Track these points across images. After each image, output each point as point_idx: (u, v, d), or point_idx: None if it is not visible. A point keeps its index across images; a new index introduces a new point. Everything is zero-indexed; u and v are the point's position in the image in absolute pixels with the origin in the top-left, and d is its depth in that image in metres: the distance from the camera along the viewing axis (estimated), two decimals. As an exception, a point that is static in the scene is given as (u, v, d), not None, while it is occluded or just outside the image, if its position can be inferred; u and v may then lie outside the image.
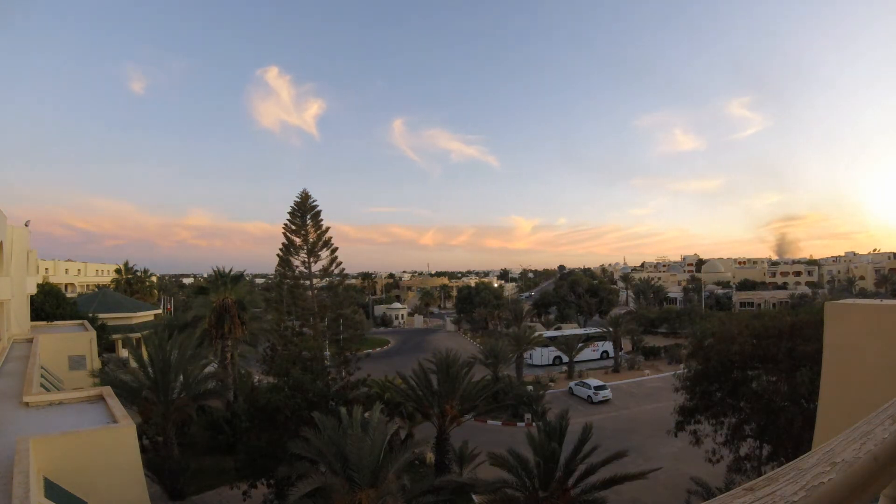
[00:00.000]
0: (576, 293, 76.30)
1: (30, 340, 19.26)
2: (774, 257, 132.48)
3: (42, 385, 13.51)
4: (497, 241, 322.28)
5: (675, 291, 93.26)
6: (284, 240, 36.31)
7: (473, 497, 19.37)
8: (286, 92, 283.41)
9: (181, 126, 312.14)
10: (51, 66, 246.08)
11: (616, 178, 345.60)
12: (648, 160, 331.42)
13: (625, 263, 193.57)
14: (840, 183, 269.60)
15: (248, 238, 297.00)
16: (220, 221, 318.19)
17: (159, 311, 52.92)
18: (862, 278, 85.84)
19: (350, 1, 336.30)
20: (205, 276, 53.94)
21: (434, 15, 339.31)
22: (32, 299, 27.61)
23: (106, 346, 33.99)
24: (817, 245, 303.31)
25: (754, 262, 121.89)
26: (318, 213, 36.68)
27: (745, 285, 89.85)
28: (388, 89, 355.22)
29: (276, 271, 37.00)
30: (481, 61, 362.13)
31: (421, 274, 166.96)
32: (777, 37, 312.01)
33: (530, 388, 34.78)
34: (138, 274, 67.09)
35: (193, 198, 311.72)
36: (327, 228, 36.77)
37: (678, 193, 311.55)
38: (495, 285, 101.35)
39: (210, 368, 26.08)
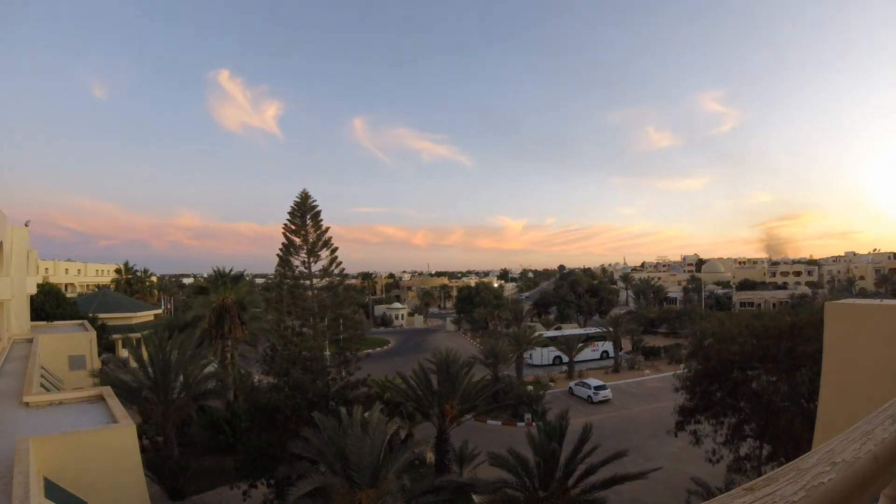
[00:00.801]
0: (576, 293, 76.28)
1: (30, 340, 19.26)
2: (765, 256, 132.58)
3: (42, 385, 13.51)
4: (489, 240, 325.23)
5: (675, 291, 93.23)
6: (284, 240, 36.34)
7: (473, 497, 19.36)
8: (241, 94, 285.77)
9: (154, 129, 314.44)
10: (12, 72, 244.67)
11: (598, 178, 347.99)
12: (628, 159, 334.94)
13: (625, 263, 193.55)
14: (832, 180, 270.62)
15: (241, 238, 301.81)
16: (209, 221, 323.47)
17: (159, 311, 52.92)
18: (862, 278, 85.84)
19: (292, 1, 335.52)
20: (204, 275, 53.97)
21: (380, 13, 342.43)
22: (32, 299, 27.61)
23: (106, 346, 33.98)
24: (815, 245, 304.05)
25: (754, 262, 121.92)
26: (318, 213, 36.73)
27: (745, 285, 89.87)
28: (343, 89, 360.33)
29: (276, 271, 37.03)
30: (444, 60, 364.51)
31: (421, 274, 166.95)
32: (752, 29, 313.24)
33: (530, 388, 34.78)
34: (138, 274, 67.08)
35: (182, 199, 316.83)
36: (327, 228, 36.84)
37: (666, 192, 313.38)
38: (495, 285, 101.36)
39: (210, 368, 26.05)
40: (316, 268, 36.70)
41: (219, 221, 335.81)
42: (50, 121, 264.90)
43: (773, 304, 67.48)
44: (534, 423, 27.45)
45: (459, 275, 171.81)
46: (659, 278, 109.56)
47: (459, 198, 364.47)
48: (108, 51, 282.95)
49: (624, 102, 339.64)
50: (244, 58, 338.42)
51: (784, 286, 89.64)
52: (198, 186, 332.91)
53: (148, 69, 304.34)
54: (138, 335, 32.49)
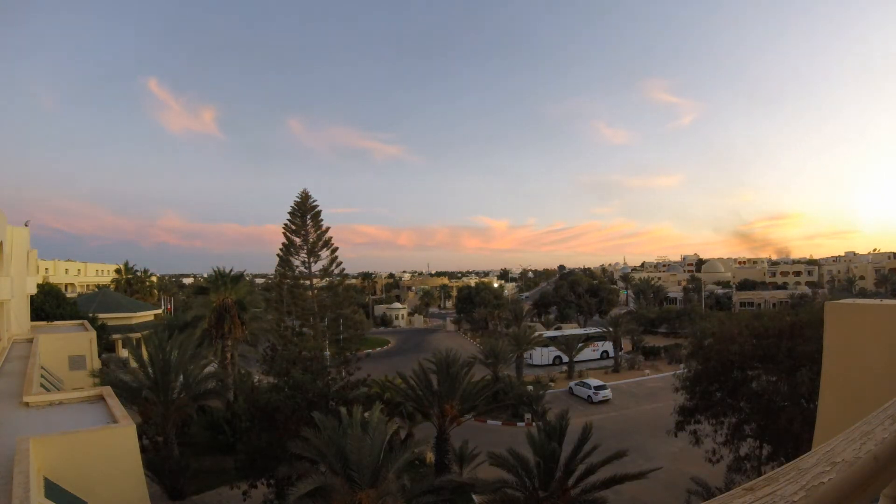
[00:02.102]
0: (576, 293, 76.26)
1: (30, 340, 19.26)
2: (766, 256, 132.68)
3: (42, 385, 13.51)
4: (476, 241, 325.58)
5: (675, 291, 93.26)
6: (284, 240, 36.33)
7: (473, 497, 19.37)
8: (173, 100, 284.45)
9: (105, 136, 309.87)
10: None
11: (561, 175, 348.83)
12: (587, 156, 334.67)
13: (625, 263, 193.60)
14: (819, 179, 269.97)
15: (225, 238, 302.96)
16: (193, 222, 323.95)
17: (159, 311, 52.90)
18: (862, 278, 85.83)
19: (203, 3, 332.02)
20: (205, 275, 53.98)
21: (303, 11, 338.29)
22: (32, 299, 27.61)
23: (106, 346, 33.98)
24: (802, 245, 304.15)
25: (754, 262, 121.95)
26: (318, 213, 36.73)
27: (745, 285, 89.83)
28: (278, 87, 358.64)
29: (276, 271, 37.04)
30: (383, 59, 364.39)
31: (421, 274, 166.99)
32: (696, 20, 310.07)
33: (530, 388, 34.77)
34: (138, 274, 67.09)
35: (164, 200, 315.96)
36: (327, 228, 36.85)
37: (640, 190, 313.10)
38: (495, 285, 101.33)
39: (210, 368, 26.07)
40: (316, 268, 36.71)
41: (202, 222, 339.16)
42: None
43: (773, 304, 67.49)
44: (534, 423, 27.45)
45: (459, 275, 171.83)
46: (659, 278, 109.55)
47: (427, 198, 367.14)
48: (53, 58, 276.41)
49: (564, 92, 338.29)
50: (172, 64, 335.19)
51: (784, 286, 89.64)
52: (178, 189, 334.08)
53: (90, 76, 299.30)
54: (138, 335, 32.49)
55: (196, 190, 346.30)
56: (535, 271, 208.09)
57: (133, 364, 22.57)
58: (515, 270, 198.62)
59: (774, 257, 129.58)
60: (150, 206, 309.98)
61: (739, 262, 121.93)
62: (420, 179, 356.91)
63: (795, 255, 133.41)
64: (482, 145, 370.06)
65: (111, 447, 8.73)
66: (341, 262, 36.90)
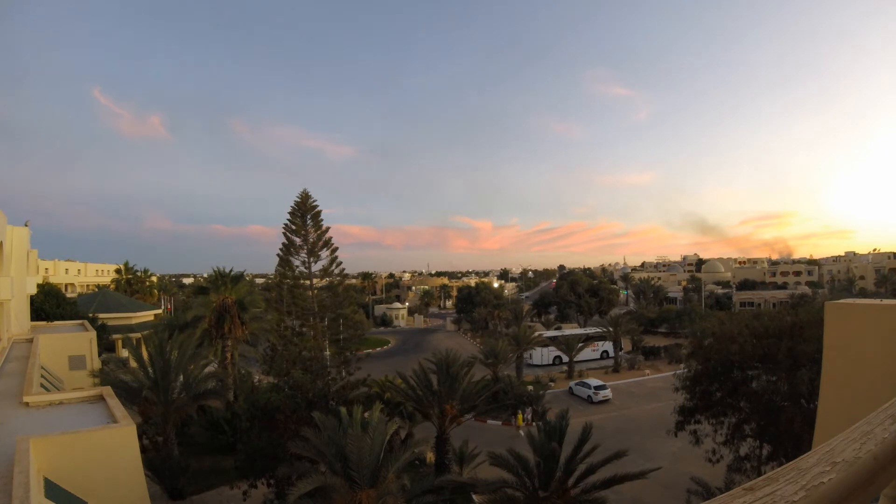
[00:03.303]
0: (576, 293, 76.28)
1: (30, 340, 19.25)
2: (766, 256, 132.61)
3: (42, 385, 13.50)
4: (462, 241, 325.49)
5: (675, 291, 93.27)
6: (284, 239, 36.30)
7: (473, 497, 19.36)
8: (119, 108, 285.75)
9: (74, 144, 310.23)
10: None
11: (534, 175, 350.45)
12: (546, 152, 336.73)
13: (625, 263, 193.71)
14: (807, 178, 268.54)
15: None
16: (178, 223, 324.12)
17: (159, 311, 52.91)
18: (862, 278, 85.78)
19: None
20: (205, 275, 54.00)
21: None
22: (32, 299, 27.60)
23: (106, 346, 33.99)
24: (807, 245, 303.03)
25: (754, 261, 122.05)
26: (318, 213, 36.66)
27: (745, 285, 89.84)
28: (220, 91, 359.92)
29: (276, 271, 36.97)
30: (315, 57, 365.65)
31: (421, 274, 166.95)
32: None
33: (530, 387, 34.78)
34: (138, 274, 67.05)
35: (148, 201, 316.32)
36: (327, 228, 36.73)
37: (614, 188, 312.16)
38: (495, 285, 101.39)
39: (210, 368, 26.06)
40: (316, 268, 36.63)
41: (186, 224, 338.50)
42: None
43: (773, 304, 67.43)
44: (534, 423, 27.45)
45: (459, 275, 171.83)
46: (659, 278, 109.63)
47: (416, 199, 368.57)
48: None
49: (505, 87, 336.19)
50: (112, 72, 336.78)
51: (784, 286, 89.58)
52: (161, 190, 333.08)
53: (41, 86, 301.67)
54: (138, 335, 32.48)
55: (183, 190, 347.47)
56: (535, 271, 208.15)
57: (133, 364, 22.55)
58: (515, 270, 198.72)
59: (775, 257, 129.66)
60: (134, 208, 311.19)
61: (739, 262, 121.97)
62: (398, 180, 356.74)
63: (795, 255, 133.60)
64: (450, 147, 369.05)
65: (111, 447, 8.72)
66: (341, 262, 36.87)
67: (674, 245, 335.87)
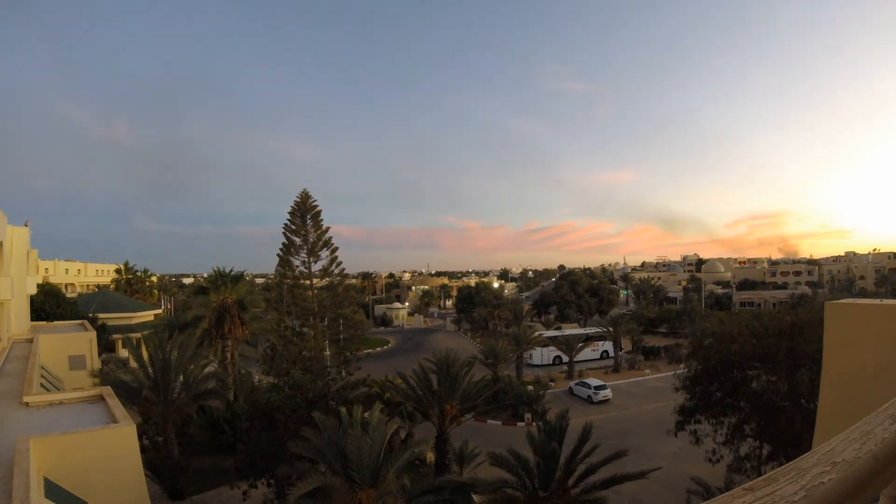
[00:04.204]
0: (576, 293, 76.30)
1: (30, 340, 19.24)
2: (767, 256, 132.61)
3: (42, 385, 13.50)
4: (451, 240, 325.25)
5: (675, 291, 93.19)
6: (285, 239, 36.32)
7: (473, 497, 19.35)
8: (84, 118, 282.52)
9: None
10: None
11: (511, 176, 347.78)
12: (514, 153, 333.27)
13: (625, 263, 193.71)
14: (797, 176, 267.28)
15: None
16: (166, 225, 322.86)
17: (159, 311, 52.92)
18: (862, 278, 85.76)
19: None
20: (205, 275, 53.99)
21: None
22: (32, 299, 27.60)
23: (106, 346, 33.99)
24: (805, 244, 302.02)
25: (754, 261, 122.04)
26: (318, 213, 36.70)
27: (745, 285, 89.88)
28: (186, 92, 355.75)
29: (276, 271, 37.01)
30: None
31: (421, 273, 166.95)
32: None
33: (530, 387, 34.79)
34: (138, 274, 67.06)
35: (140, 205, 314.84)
36: (327, 229, 36.78)
37: (596, 188, 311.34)
38: (495, 285, 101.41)
39: (210, 368, 26.06)
40: (316, 268, 36.65)
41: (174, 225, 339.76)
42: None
43: (773, 304, 67.43)
44: (534, 423, 27.45)
45: (459, 275, 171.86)
46: (659, 278, 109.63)
47: (403, 199, 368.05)
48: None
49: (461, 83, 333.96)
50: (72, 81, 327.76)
51: (784, 286, 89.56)
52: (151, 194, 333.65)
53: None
54: (138, 335, 32.46)
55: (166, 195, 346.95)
56: (535, 271, 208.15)
57: (133, 364, 22.57)
58: (515, 270, 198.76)
59: (778, 256, 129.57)
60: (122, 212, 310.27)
61: (739, 262, 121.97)
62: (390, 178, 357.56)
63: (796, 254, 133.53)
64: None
65: (111, 447, 8.72)
66: (341, 262, 36.91)
67: (674, 245, 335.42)
